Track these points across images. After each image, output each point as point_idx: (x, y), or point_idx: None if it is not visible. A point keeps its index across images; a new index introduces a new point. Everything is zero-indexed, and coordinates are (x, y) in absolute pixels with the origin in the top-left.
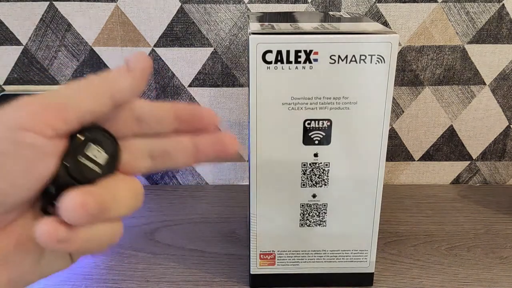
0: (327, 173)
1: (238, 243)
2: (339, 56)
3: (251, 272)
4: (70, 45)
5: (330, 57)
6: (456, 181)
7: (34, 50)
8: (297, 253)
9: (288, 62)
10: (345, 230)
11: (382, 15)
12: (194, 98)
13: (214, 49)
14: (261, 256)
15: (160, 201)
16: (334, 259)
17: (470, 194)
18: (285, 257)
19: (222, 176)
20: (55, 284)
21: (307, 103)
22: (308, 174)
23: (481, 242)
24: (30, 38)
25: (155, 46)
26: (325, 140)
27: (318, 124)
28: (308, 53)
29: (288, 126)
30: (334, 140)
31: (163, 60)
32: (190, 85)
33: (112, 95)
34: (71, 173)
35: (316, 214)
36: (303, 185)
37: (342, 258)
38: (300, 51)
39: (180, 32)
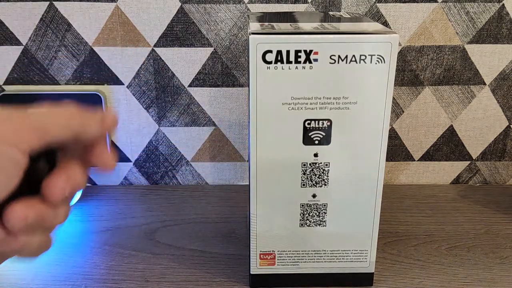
0: (327, 173)
1: (238, 243)
2: (339, 56)
3: (251, 272)
4: (70, 45)
5: (330, 57)
6: (456, 181)
7: (34, 50)
8: (297, 253)
9: (288, 62)
10: (345, 230)
11: (382, 15)
12: (194, 98)
13: (214, 49)
14: (261, 256)
15: (160, 201)
16: (334, 259)
17: (470, 194)
18: (285, 257)
19: (222, 176)
20: (55, 284)
21: (307, 103)
22: (308, 174)
23: (481, 242)
24: (30, 38)
25: (155, 46)
26: (325, 140)
27: (318, 124)
28: (308, 53)
29: (288, 126)
30: (334, 140)
31: (163, 60)
32: (190, 85)
33: (78, 134)
34: (25, 184)
35: (316, 214)
36: (303, 185)
37: (342, 258)
38: (300, 51)
39: (180, 32)
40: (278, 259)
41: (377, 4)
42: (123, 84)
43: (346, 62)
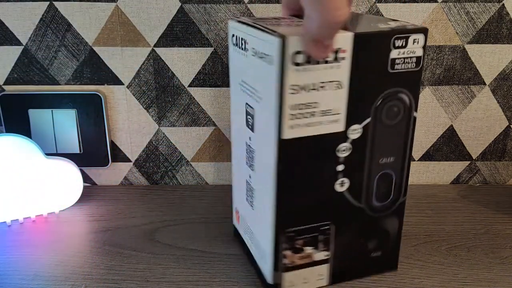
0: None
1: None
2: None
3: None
4: (70, 45)
5: (252, 49)
6: (456, 181)
7: (34, 50)
8: None
9: (240, 47)
10: None
11: (382, 15)
12: (194, 98)
13: (214, 49)
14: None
15: (160, 201)
16: None
17: (470, 194)
18: None
19: (222, 176)
20: (55, 284)
21: (247, 88)
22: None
23: (481, 242)
24: (30, 38)
25: (155, 46)
26: (252, 126)
27: (249, 109)
28: (245, 42)
29: (241, 106)
30: (257, 129)
31: (163, 60)
32: (190, 85)
33: None
34: None
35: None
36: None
37: None
38: (243, 39)
39: (180, 32)
40: None
41: (377, 4)
42: (123, 84)
43: (255, 56)
